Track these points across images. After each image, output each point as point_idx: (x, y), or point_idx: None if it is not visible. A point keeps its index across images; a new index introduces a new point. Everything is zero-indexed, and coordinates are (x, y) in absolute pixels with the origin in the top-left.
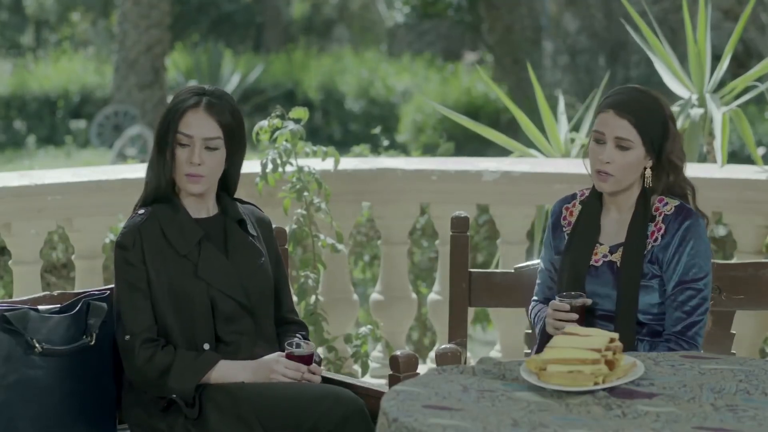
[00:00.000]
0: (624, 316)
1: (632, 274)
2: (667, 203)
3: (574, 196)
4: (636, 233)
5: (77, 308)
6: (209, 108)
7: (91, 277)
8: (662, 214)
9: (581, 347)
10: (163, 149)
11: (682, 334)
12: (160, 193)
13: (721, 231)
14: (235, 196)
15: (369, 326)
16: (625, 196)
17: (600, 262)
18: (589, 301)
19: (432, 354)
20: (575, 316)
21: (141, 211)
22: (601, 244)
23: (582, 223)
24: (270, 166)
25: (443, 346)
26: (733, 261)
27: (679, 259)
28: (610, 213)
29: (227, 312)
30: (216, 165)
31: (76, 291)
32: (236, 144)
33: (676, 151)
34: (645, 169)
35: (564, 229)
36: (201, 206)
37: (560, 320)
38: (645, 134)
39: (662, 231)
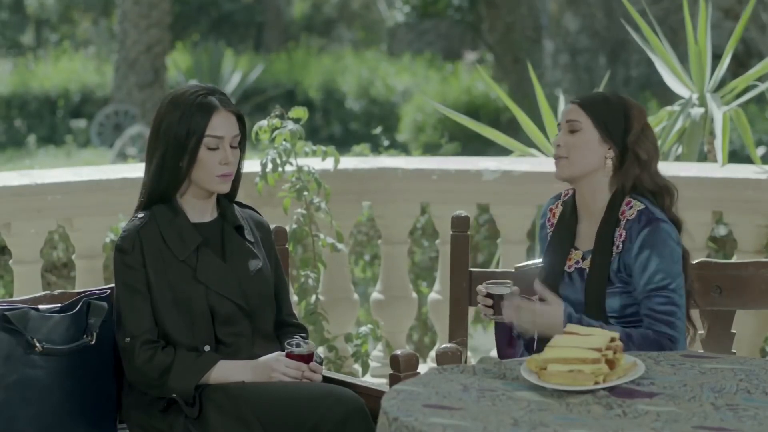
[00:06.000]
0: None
1: (597, 281)
2: (632, 207)
3: (558, 197)
4: (602, 239)
5: (78, 308)
6: (226, 106)
7: (92, 277)
8: (626, 219)
9: (582, 346)
10: (180, 154)
11: (660, 334)
12: (167, 196)
13: (721, 230)
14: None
15: (369, 326)
16: (593, 199)
17: (572, 269)
18: (516, 290)
19: (432, 353)
20: (489, 301)
21: (140, 215)
22: (576, 249)
23: (558, 227)
24: (270, 166)
25: (443, 346)
26: (733, 260)
27: (644, 268)
28: (585, 218)
29: (226, 314)
30: (238, 161)
31: (76, 290)
32: (245, 138)
33: (642, 145)
34: (606, 159)
35: (548, 230)
36: (204, 209)
37: (481, 304)
38: (596, 117)
39: (623, 237)
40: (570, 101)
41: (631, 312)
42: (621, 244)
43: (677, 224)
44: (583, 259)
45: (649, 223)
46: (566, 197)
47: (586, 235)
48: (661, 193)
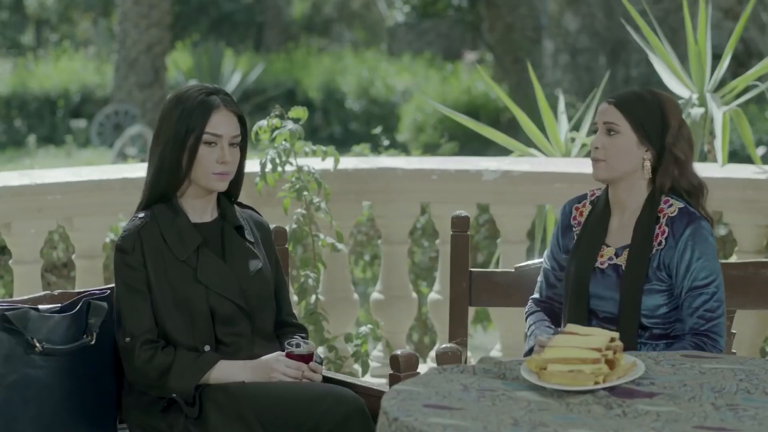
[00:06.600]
0: (626, 318)
1: (636, 277)
2: (671, 205)
3: (584, 197)
4: (641, 236)
5: (78, 308)
6: (228, 106)
7: (92, 277)
8: (666, 216)
9: (582, 346)
10: (179, 152)
11: (703, 335)
12: (167, 196)
13: (721, 230)
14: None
15: (369, 326)
16: (629, 197)
17: (605, 265)
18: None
19: (432, 353)
20: None
21: (141, 215)
22: (607, 246)
23: (589, 224)
24: (269, 166)
25: (443, 346)
26: (733, 260)
27: (688, 266)
28: (617, 215)
29: (226, 315)
30: (237, 161)
31: (76, 290)
32: (246, 140)
33: (680, 145)
34: (644, 161)
35: (574, 230)
36: (204, 209)
37: None
38: (634, 119)
39: (666, 234)
40: (605, 101)
41: (663, 313)
42: (663, 241)
43: (710, 222)
44: (617, 255)
45: (692, 222)
46: (593, 197)
47: (619, 232)
48: (695, 192)
